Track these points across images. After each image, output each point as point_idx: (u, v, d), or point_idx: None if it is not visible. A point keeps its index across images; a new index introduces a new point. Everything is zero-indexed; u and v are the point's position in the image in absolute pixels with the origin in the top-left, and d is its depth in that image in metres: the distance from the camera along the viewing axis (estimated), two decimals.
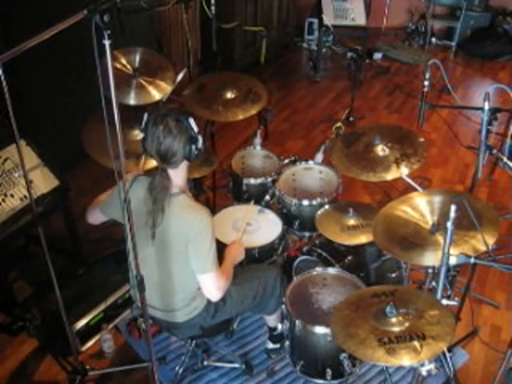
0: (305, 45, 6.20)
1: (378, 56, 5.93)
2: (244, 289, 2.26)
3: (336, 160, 2.59)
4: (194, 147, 1.91)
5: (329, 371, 2.26)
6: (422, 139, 2.54)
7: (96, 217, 2.20)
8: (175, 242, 1.98)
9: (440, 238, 1.97)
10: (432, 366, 1.80)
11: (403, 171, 2.40)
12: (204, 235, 1.96)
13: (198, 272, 2.02)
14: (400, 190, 3.54)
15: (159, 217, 1.94)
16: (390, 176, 2.40)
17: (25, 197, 2.59)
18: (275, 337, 2.61)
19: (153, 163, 2.17)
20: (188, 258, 1.99)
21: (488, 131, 2.21)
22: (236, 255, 2.29)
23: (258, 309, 2.39)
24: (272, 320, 2.53)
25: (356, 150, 2.57)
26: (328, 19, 5.21)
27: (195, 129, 1.91)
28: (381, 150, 2.51)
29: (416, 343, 1.67)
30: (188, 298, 2.10)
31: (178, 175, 1.98)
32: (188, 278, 2.06)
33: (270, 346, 2.64)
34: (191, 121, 1.90)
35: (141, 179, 2.02)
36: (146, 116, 1.92)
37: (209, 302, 2.14)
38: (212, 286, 2.04)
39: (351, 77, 5.23)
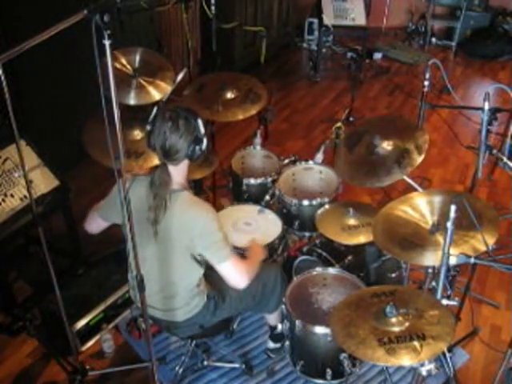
0: (305, 45, 6.20)
1: (378, 56, 5.93)
2: None
3: (340, 168, 2.60)
4: (197, 148, 1.94)
5: (329, 371, 2.26)
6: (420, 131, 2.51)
7: (96, 224, 2.20)
8: (178, 238, 1.98)
9: (440, 238, 1.97)
10: (432, 366, 1.80)
11: (407, 170, 2.37)
12: (212, 228, 1.97)
13: (217, 263, 2.01)
14: (400, 189, 3.53)
15: (161, 213, 1.95)
16: (393, 179, 2.38)
17: (25, 197, 2.59)
18: (276, 336, 2.60)
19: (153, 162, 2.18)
20: (189, 255, 2.00)
21: (488, 131, 2.21)
22: (260, 256, 2.29)
23: (258, 307, 2.39)
24: (273, 319, 2.52)
25: (359, 154, 2.56)
26: (328, 19, 5.22)
27: (202, 130, 1.94)
28: (382, 148, 2.49)
29: (416, 343, 1.67)
30: (188, 297, 2.10)
31: (178, 172, 2.00)
32: (188, 276, 2.06)
33: (271, 345, 2.64)
34: (199, 122, 1.94)
35: (140, 179, 2.04)
36: (155, 109, 1.94)
37: (208, 300, 2.15)
38: (235, 272, 2.03)
39: (351, 77, 5.22)
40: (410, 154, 2.39)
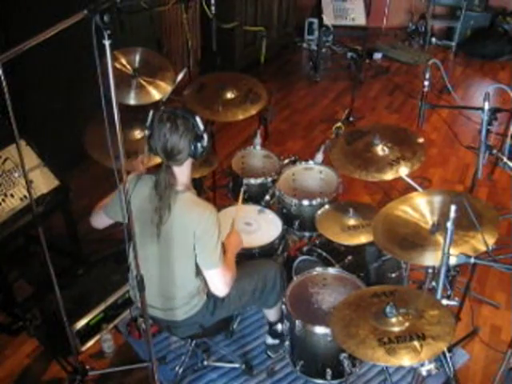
0: (305, 45, 6.20)
1: (378, 56, 5.93)
2: (243, 284, 2.25)
3: (334, 156, 2.60)
4: (199, 145, 1.94)
5: (329, 371, 2.26)
6: (421, 140, 2.53)
7: (101, 220, 2.20)
8: (180, 239, 1.99)
9: (440, 238, 1.97)
10: (432, 366, 1.80)
11: (398, 173, 2.39)
12: (211, 231, 1.97)
13: (206, 268, 2.03)
14: (400, 189, 3.54)
15: (165, 214, 1.95)
16: (381, 178, 2.40)
17: (25, 197, 2.59)
18: (275, 331, 2.60)
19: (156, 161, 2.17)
20: (191, 256, 2.00)
21: (488, 131, 2.21)
22: (236, 245, 2.29)
23: (257, 303, 2.39)
24: (272, 314, 2.52)
25: (356, 148, 2.57)
26: (328, 19, 5.21)
27: (201, 127, 1.93)
28: (380, 150, 2.50)
29: (416, 343, 1.67)
30: (188, 296, 2.10)
31: (183, 172, 2.00)
32: (189, 276, 2.06)
33: (270, 341, 2.64)
34: (197, 119, 1.93)
35: (145, 178, 2.04)
36: (151, 113, 1.93)
37: (208, 299, 2.15)
38: (219, 281, 2.05)
39: (351, 77, 5.23)
40: (404, 161, 2.42)
